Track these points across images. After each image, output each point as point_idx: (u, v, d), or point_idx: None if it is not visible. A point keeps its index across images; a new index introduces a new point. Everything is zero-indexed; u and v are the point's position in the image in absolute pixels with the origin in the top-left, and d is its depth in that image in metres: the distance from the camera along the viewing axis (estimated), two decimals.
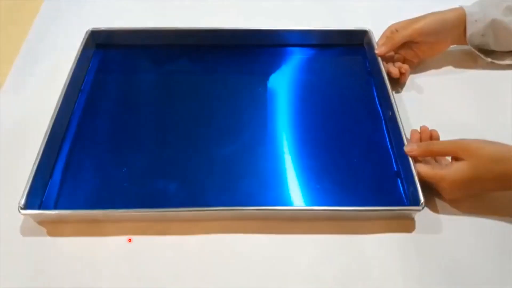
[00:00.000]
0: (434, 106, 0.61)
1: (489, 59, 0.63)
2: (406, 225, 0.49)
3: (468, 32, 0.60)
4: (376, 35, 0.65)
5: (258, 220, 0.50)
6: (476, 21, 0.60)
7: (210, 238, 0.49)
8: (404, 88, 0.63)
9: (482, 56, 0.63)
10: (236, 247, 0.48)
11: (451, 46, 0.64)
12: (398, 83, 0.63)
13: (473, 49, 0.62)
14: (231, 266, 0.47)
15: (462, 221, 0.50)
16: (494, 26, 0.59)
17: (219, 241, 0.49)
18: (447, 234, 0.49)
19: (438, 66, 0.66)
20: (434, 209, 0.50)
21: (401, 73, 0.61)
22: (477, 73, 0.64)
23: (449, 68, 0.66)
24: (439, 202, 0.51)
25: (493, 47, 0.62)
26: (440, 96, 0.62)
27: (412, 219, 0.49)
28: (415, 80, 0.64)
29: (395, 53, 0.64)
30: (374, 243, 0.48)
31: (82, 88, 0.64)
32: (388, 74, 0.60)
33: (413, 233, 0.49)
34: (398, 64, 0.62)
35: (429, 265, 0.47)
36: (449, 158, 0.52)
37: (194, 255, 0.48)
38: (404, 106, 0.60)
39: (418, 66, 0.65)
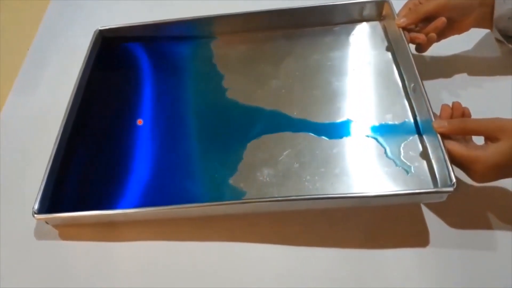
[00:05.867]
0: (450, 91, 0.58)
1: (510, 45, 0.59)
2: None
3: (496, 13, 0.56)
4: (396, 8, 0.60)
5: (276, 224, 0.48)
6: (504, 1, 0.56)
7: (225, 245, 0.47)
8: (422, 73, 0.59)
9: (504, 41, 0.59)
10: (247, 257, 0.47)
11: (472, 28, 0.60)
12: (418, 52, 0.58)
13: (496, 33, 0.59)
14: (248, 275, 0.45)
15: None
16: None
17: (232, 248, 0.47)
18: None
19: (458, 46, 0.62)
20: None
21: (427, 40, 0.56)
22: (496, 61, 0.61)
23: (469, 49, 0.62)
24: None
25: None
26: (456, 82, 0.59)
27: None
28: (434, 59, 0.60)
29: (416, 26, 0.59)
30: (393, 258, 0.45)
31: (93, 88, 0.60)
32: (412, 40, 0.56)
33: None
34: (425, 31, 0.57)
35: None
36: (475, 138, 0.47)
37: (210, 262, 0.46)
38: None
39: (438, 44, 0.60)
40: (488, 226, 0.46)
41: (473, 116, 0.48)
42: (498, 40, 0.60)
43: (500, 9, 0.56)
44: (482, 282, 0.43)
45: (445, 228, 0.46)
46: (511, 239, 0.45)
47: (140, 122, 0.52)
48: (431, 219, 0.47)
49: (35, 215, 0.47)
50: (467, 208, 0.47)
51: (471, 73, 0.60)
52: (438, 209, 0.47)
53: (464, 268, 0.44)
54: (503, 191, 0.48)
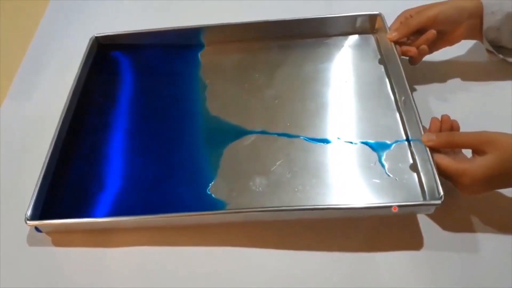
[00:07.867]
0: (442, 99, 0.59)
1: (501, 56, 0.60)
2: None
3: (485, 25, 0.57)
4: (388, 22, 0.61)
5: (269, 229, 0.49)
6: (492, 13, 0.57)
7: (220, 250, 0.48)
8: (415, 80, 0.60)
9: (494, 51, 0.60)
10: (241, 262, 0.47)
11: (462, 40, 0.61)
12: (411, 65, 0.59)
13: (486, 44, 0.59)
14: (242, 281, 0.46)
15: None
16: (509, 19, 0.57)
17: (230, 254, 0.48)
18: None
19: (451, 54, 0.63)
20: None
21: (419, 53, 0.57)
22: (488, 69, 0.62)
23: (460, 61, 0.63)
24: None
25: (505, 43, 0.60)
26: (449, 90, 0.60)
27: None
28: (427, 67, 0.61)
29: (407, 39, 0.60)
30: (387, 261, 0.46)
31: (88, 94, 0.61)
32: (404, 53, 0.57)
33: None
34: (416, 44, 0.58)
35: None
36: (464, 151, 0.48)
37: (202, 267, 0.47)
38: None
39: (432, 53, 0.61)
40: (480, 229, 0.47)
41: (467, 124, 0.49)
42: (488, 51, 0.61)
43: (489, 20, 0.57)
44: (475, 284, 0.44)
45: (439, 231, 0.47)
46: (503, 243, 0.46)
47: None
48: (425, 223, 0.47)
49: (28, 222, 0.47)
50: (461, 212, 0.48)
51: (464, 80, 0.61)
52: (432, 213, 0.47)
53: (457, 270, 0.45)
54: (496, 195, 0.48)
